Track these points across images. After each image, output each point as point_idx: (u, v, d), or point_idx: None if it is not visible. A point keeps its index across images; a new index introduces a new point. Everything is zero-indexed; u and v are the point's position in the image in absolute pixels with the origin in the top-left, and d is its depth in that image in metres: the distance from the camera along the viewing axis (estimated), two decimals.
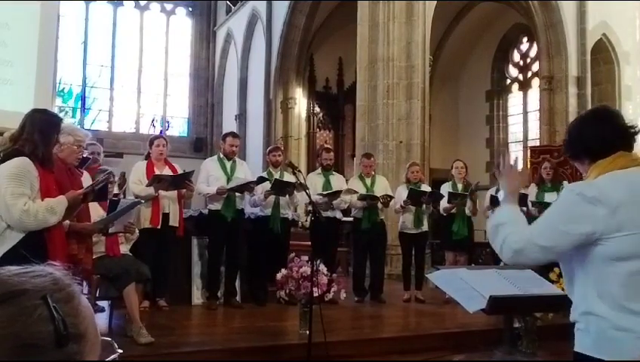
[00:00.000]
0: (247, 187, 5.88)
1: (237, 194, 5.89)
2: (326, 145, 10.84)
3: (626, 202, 1.69)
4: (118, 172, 7.35)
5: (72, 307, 0.70)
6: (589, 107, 11.22)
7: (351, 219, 6.95)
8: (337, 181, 6.80)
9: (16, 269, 0.70)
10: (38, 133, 3.04)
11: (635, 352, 1.62)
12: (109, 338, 0.81)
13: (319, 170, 6.90)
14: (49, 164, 3.12)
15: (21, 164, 2.98)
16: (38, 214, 2.95)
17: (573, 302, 1.79)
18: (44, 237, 3.03)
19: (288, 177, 6.20)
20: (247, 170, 6.33)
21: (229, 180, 5.90)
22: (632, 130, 1.82)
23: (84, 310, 0.71)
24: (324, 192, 6.44)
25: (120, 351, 0.80)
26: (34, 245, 2.96)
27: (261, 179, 6.15)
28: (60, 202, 3.07)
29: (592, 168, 1.79)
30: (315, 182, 6.60)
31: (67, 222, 3.31)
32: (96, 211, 4.10)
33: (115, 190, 5.29)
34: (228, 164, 6.03)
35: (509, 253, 1.79)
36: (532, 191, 6.62)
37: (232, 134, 6.30)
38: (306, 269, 4.52)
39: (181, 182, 5.57)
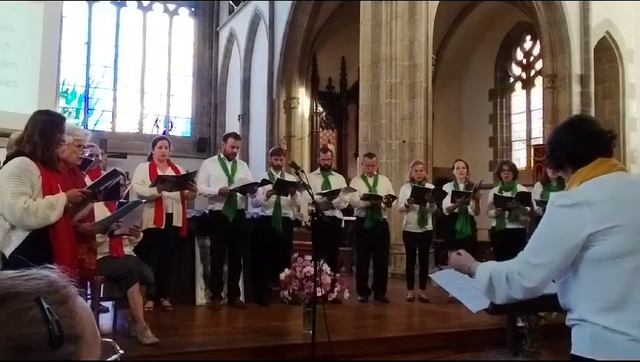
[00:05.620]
0: (250, 188, 5.88)
1: (239, 194, 5.90)
2: (326, 145, 10.81)
3: (610, 201, 1.70)
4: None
5: (67, 309, 0.70)
6: (593, 105, 11.19)
7: (354, 218, 6.94)
8: (337, 181, 6.77)
9: (12, 273, 0.71)
10: (39, 134, 3.09)
11: (628, 353, 1.63)
12: (111, 339, 0.81)
13: (318, 170, 6.90)
14: (52, 163, 3.14)
15: (21, 163, 3.03)
16: (38, 211, 2.99)
17: (569, 309, 1.80)
18: (49, 236, 3.05)
19: (290, 178, 6.20)
20: (248, 170, 6.33)
21: (230, 181, 5.90)
22: (609, 135, 1.83)
23: (80, 311, 0.71)
24: (323, 191, 6.43)
25: (121, 351, 0.80)
26: (39, 245, 2.98)
27: (264, 182, 6.14)
28: (59, 199, 3.09)
29: (573, 177, 1.80)
30: (314, 182, 6.57)
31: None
32: (102, 212, 4.11)
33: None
34: (229, 165, 6.03)
35: (519, 287, 1.74)
36: (537, 191, 6.57)
37: (234, 135, 6.27)
38: (310, 269, 4.52)
39: (184, 182, 5.59)
